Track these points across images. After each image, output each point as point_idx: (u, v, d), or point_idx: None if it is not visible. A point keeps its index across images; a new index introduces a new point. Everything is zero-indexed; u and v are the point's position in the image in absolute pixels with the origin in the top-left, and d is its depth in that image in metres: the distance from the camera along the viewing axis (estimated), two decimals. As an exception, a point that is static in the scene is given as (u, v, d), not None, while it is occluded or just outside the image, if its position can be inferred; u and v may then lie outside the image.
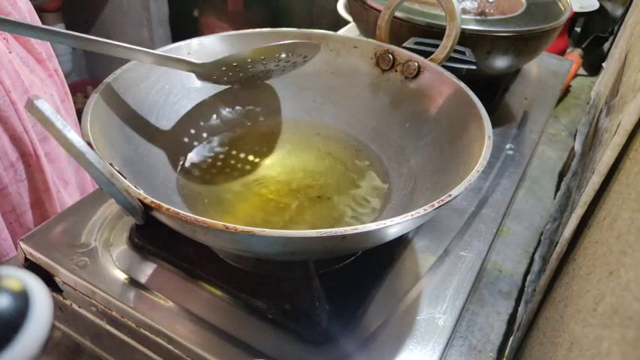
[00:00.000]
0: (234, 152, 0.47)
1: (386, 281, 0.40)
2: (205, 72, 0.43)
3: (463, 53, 0.51)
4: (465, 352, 0.47)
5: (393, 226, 0.29)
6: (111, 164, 0.31)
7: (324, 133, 0.50)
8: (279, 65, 0.45)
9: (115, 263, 0.39)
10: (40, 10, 1.40)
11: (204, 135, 0.47)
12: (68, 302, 0.40)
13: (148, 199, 0.29)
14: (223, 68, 0.43)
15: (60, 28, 0.61)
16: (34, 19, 0.60)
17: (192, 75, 0.45)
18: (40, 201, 0.58)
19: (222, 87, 0.48)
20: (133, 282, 0.38)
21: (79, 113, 0.37)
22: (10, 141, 0.53)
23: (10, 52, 0.54)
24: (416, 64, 0.47)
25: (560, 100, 0.92)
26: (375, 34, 0.54)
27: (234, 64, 0.43)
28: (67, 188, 0.62)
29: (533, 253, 0.59)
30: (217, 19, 1.77)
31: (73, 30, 0.64)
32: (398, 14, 0.56)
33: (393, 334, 0.36)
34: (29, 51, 0.58)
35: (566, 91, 0.95)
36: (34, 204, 0.58)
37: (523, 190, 0.70)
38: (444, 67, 0.46)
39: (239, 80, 0.46)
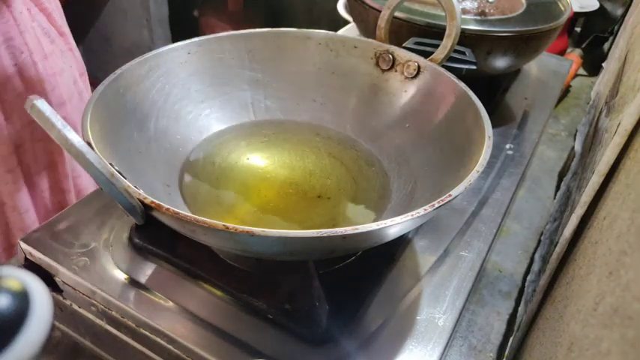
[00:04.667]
0: (234, 153, 0.47)
1: (386, 281, 0.40)
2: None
3: (463, 53, 0.51)
4: (465, 352, 0.46)
5: (393, 226, 0.29)
6: (111, 164, 0.31)
7: (324, 134, 0.50)
8: None
9: (115, 263, 0.39)
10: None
11: (204, 135, 0.47)
12: (68, 302, 0.40)
13: (148, 199, 0.29)
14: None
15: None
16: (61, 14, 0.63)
17: (193, 75, 0.45)
18: (54, 164, 0.62)
19: (222, 88, 0.48)
20: (133, 282, 0.38)
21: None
22: None
23: (33, 21, 0.56)
24: (416, 64, 0.47)
25: (560, 100, 0.92)
26: (375, 34, 0.54)
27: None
28: None
29: (533, 253, 0.59)
30: (217, 19, 1.77)
31: (72, 29, 0.65)
32: (398, 14, 0.56)
33: (393, 334, 0.36)
34: (52, 23, 0.60)
35: (566, 91, 0.95)
36: (49, 166, 0.61)
37: (523, 190, 0.70)
38: (444, 67, 0.46)
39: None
